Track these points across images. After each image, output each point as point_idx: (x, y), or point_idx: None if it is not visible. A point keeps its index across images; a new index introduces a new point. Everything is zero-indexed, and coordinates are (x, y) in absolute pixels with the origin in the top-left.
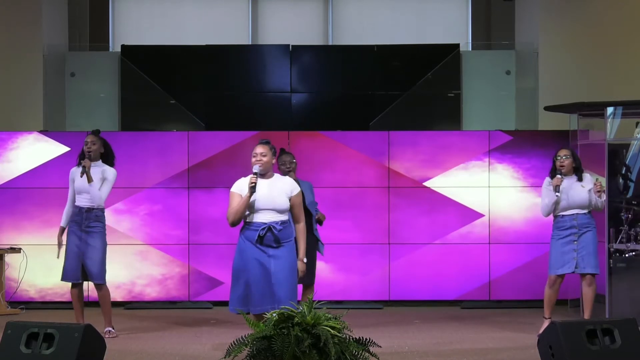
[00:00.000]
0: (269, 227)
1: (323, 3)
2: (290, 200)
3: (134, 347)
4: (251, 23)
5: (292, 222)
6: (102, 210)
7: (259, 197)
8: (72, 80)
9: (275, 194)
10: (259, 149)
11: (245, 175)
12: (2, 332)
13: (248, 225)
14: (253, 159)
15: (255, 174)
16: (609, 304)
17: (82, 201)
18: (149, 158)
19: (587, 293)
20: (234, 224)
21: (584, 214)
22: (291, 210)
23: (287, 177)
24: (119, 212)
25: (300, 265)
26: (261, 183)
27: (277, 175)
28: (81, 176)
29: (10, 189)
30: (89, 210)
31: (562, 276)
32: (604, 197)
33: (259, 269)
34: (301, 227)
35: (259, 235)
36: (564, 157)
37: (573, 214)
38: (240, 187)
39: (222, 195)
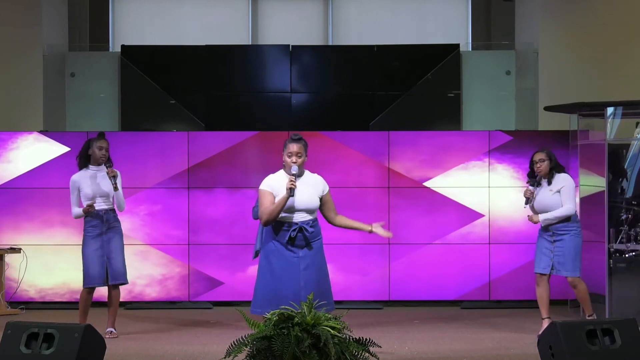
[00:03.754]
0: (300, 228)
1: (323, 3)
2: (321, 199)
3: (134, 347)
4: (251, 23)
5: (318, 221)
6: (115, 210)
7: (297, 198)
8: (72, 80)
9: (309, 194)
10: (294, 148)
11: (272, 173)
12: (2, 332)
13: (278, 225)
14: (288, 159)
15: (293, 175)
16: (609, 304)
17: (97, 205)
18: (149, 158)
19: (577, 294)
20: (268, 224)
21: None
22: (324, 206)
23: (316, 174)
24: (119, 212)
25: (376, 226)
26: (297, 183)
27: (307, 173)
28: (114, 187)
29: (10, 189)
30: (107, 212)
31: (545, 275)
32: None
33: (288, 270)
34: (341, 216)
35: (290, 237)
36: (539, 162)
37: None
38: (271, 184)
39: (222, 196)
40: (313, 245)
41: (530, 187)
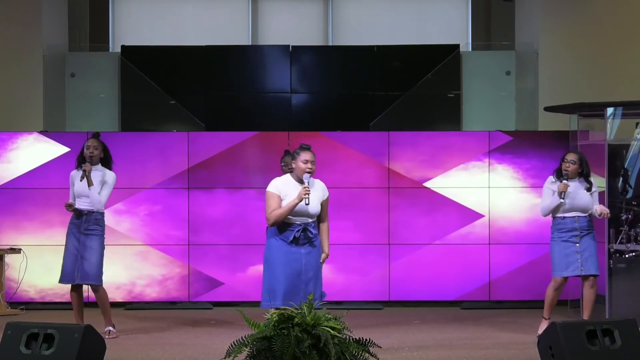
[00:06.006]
0: (304, 228)
1: (323, 3)
2: (321, 204)
3: (134, 347)
4: (251, 23)
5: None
6: (101, 214)
7: (300, 205)
8: (72, 81)
9: (315, 200)
10: (309, 156)
11: (278, 177)
12: (2, 333)
13: (283, 225)
14: (303, 165)
15: (307, 185)
16: (609, 305)
17: (82, 204)
18: (149, 158)
19: (589, 295)
20: (274, 225)
21: (585, 216)
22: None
23: (318, 180)
24: (119, 212)
25: (324, 257)
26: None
27: (311, 180)
28: (81, 180)
29: (10, 189)
30: (89, 213)
31: (566, 278)
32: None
33: (290, 266)
34: (326, 225)
35: (294, 237)
36: (570, 162)
37: (574, 217)
38: (279, 187)
39: (222, 196)
40: (316, 244)
41: (567, 182)
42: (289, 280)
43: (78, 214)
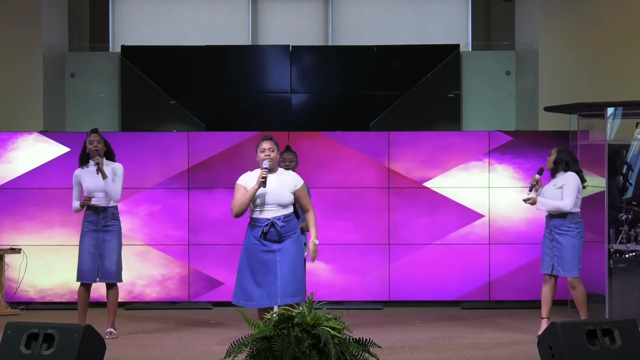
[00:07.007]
0: (272, 223)
1: (323, 3)
2: (294, 194)
3: (134, 347)
4: (251, 23)
5: (294, 216)
6: (116, 207)
7: (267, 192)
8: (72, 81)
9: (281, 189)
10: (267, 144)
11: (250, 171)
12: (2, 333)
13: (253, 221)
14: (262, 154)
15: (265, 169)
16: (609, 304)
17: (97, 201)
18: (149, 158)
19: (574, 295)
20: (237, 216)
21: (557, 216)
22: (298, 202)
23: (290, 171)
24: (119, 212)
25: (312, 246)
26: (269, 178)
27: (281, 170)
28: (97, 173)
29: (10, 189)
30: (105, 209)
31: (551, 275)
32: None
33: (264, 264)
34: (310, 213)
35: (262, 232)
36: (549, 155)
37: (548, 214)
38: (246, 180)
39: (222, 196)
40: (286, 239)
41: (536, 175)
42: (261, 281)
43: (94, 210)
